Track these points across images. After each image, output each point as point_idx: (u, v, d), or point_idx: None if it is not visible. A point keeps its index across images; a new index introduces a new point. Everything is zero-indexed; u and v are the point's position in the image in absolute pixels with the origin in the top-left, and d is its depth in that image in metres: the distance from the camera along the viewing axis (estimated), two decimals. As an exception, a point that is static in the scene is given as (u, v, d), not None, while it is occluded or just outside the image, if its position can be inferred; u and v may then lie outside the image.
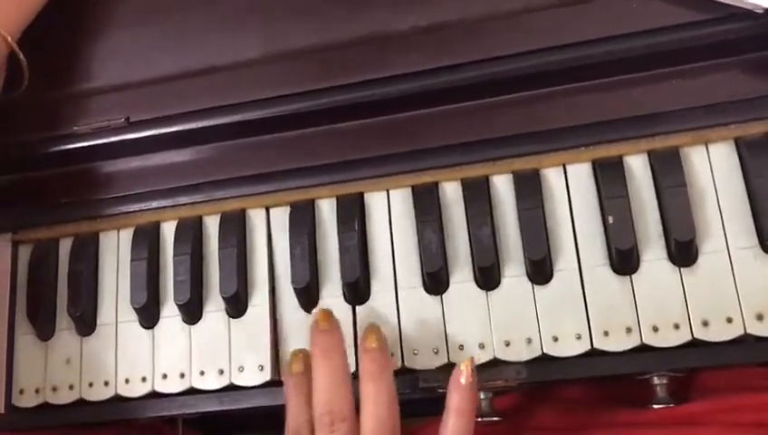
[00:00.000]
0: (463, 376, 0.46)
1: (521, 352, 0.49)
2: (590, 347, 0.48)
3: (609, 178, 0.49)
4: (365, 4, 0.54)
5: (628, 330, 0.47)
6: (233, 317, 0.54)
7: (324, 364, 0.47)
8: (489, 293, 0.50)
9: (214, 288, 0.54)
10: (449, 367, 0.49)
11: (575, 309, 0.48)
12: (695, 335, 0.47)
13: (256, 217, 0.55)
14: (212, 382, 0.53)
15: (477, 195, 0.51)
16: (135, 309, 0.55)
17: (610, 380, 0.55)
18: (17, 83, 0.57)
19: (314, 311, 0.52)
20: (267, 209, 0.55)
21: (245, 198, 0.55)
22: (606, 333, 0.48)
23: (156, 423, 0.65)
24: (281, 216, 0.55)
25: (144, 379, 0.54)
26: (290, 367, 0.50)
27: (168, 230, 0.56)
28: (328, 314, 0.49)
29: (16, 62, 0.56)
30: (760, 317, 0.46)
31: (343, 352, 0.48)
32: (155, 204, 0.57)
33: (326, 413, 0.46)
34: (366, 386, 0.47)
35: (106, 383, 0.55)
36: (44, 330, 0.57)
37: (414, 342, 0.50)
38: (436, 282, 0.51)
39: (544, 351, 0.48)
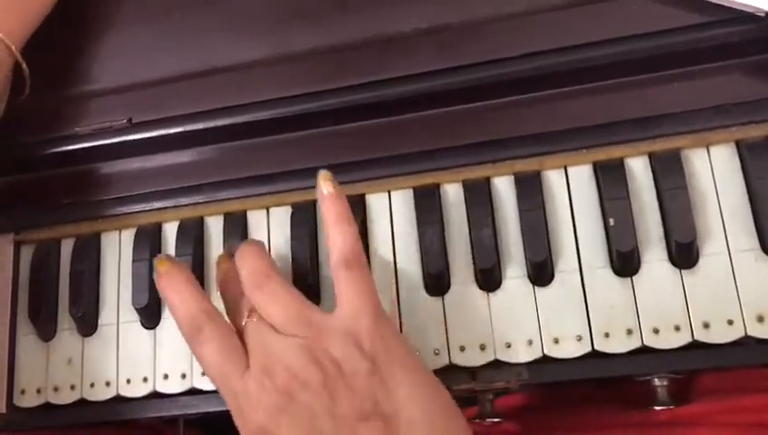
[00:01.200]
0: (324, 187, 0.48)
1: (522, 354, 0.49)
2: (590, 349, 0.48)
3: (610, 179, 0.49)
4: (367, 5, 0.54)
5: (629, 331, 0.48)
6: (234, 318, 0.54)
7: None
8: (490, 294, 0.50)
9: (215, 289, 0.54)
10: (450, 369, 0.49)
11: (576, 311, 0.49)
12: (695, 337, 0.47)
13: (258, 219, 0.55)
14: (213, 383, 0.53)
15: (478, 196, 0.51)
16: (136, 310, 0.55)
17: (611, 381, 0.55)
18: (19, 90, 0.57)
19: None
20: (268, 210, 0.55)
21: (247, 199, 0.55)
22: (607, 335, 0.48)
23: (157, 424, 0.65)
24: (282, 217, 0.55)
25: (145, 379, 0.54)
26: (158, 267, 0.49)
27: (170, 231, 0.56)
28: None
29: (18, 69, 0.56)
30: (761, 319, 0.46)
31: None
32: (157, 205, 0.57)
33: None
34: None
35: (107, 384, 0.55)
36: (46, 330, 0.57)
37: (414, 343, 0.50)
38: (437, 283, 0.51)
39: (545, 352, 0.48)
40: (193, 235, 0.55)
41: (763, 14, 0.46)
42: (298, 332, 0.44)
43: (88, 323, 0.56)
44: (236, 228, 0.55)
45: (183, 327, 0.47)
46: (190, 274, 0.49)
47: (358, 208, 0.53)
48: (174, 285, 0.48)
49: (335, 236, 0.47)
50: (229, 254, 0.52)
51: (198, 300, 0.47)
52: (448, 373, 0.49)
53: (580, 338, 0.48)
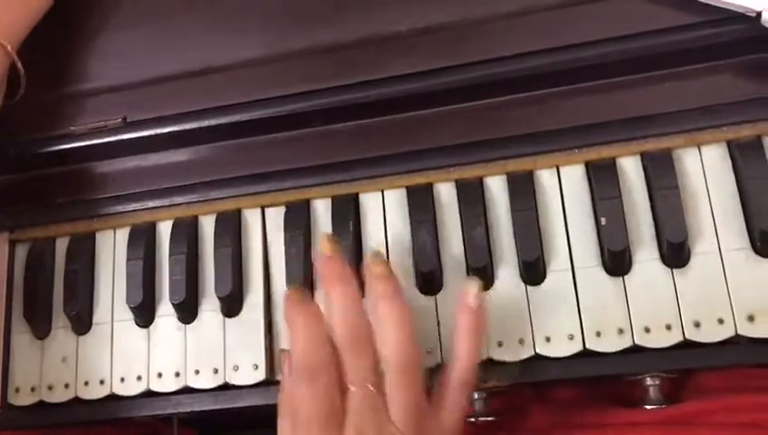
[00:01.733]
0: (471, 297, 0.46)
1: (514, 353, 0.49)
2: (582, 348, 0.48)
3: (602, 179, 0.50)
4: (362, 5, 0.54)
5: (621, 331, 0.48)
6: (228, 317, 0.54)
7: (340, 289, 0.46)
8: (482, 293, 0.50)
9: (209, 288, 0.54)
10: (443, 367, 0.49)
11: (568, 310, 0.49)
12: (686, 336, 0.47)
13: (252, 217, 0.55)
14: (207, 381, 0.53)
15: (471, 196, 0.52)
16: (131, 308, 0.55)
17: (603, 380, 0.55)
18: (14, 90, 0.57)
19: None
20: (263, 209, 0.55)
21: (241, 198, 0.55)
22: (598, 334, 0.48)
23: (151, 422, 0.65)
24: (276, 216, 0.55)
25: (139, 378, 0.54)
26: (292, 295, 0.47)
27: (164, 230, 0.57)
28: (330, 239, 0.47)
29: (13, 68, 0.56)
30: (751, 318, 0.46)
31: (354, 281, 0.47)
32: (151, 204, 0.57)
33: (350, 335, 0.45)
34: (381, 309, 0.45)
35: (101, 382, 0.55)
36: (41, 329, 0.57)
37: (408, 342, 0.50)
38: (430, 282, 0.51)
39: (537, 351, 0.49)
40: (187, 234, 0.56)
41: (753, 14, 0.47)
42: (406, 431, 0.44)
43: (82, 322, 0.56)
44: (230, 227, 0.55)
45: (298, 360, 0.45)
46: (318, 307, 0.47)
47: (350, 208, 0.53)
48: (302, 317, 0.46)
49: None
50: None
51: (323, 342, 0.45)
52: (441, 372, 0.49)
53: (571, 337, 0.48)
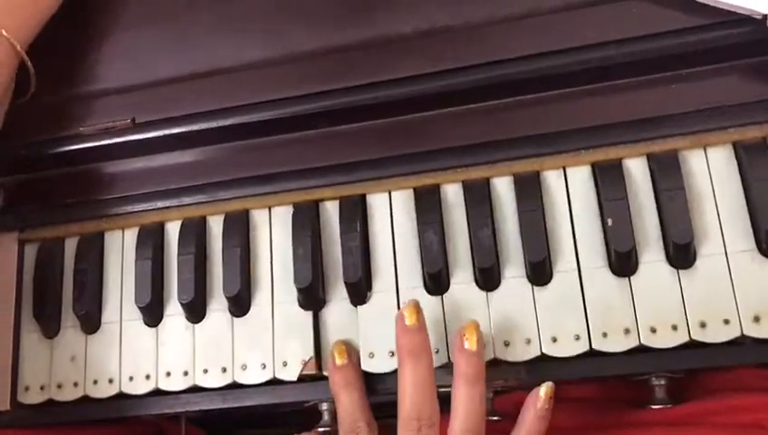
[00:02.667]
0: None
1: (520, 353, 0.49)
2: (588, 348, 0.48)
3: (609, 180, 0.50)
4: (368, 7, 0.55)
5: (627, 331, 0.48)
6: (236, 316, 0.54)
7: (412, 366, 0.47)
8: (489, 293, 0.51)
9: (217, 287, 0.55)
10: (449, 367, 0.50)
11: (574, 310, 0.49)
12: (692, 337, 0.47)
13: (259, 218, 0.56)
14: (215, 380, 0.54)
15: (478, 197, 0.52)
16: (139, 308, 0.55)
17: (609, 380, 0.55)
18: (24, 90, 0.58)
19: (402, 304, 0.51)
20: (270, 210, 0.56)
21: (249, 198, 0.56)
22: (604, 334, 0.48)
23: (159, 421, 0.65)
24: (284, 216, 0.55)
25: (148, 376, 0.55)
26: (333, 360, 0.50)
27: (173, 230, 0.57)
28: (416, 308, 0.48)
29: (23, 69, 0.57)
30: (757, 319, 0.46)
31: (431, 353, 0.48)
32: (159, 204, 0.57)
33: (414, 418, 0.46)
34: (459, 389, 0.46)
35: (110, 381, 0.55)
36: (50, 328, 0.57)
37: (415, 341, 0.51)
38: (436, 282, 0.51)
39: (543, 351, 0.49)
40: (195, 234, 0.56)
41: (760, 17, 0.47)
42: None
43: (91, 321, 0.57)
44: (238, 228, 0.55)
45: (343, 425, 0.49)
46: (361, 374, 0.51)
47: (358, 208, 0.54)
48: (349, 385, 0.50)
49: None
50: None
51: (365, 408, 0.50)
52: (447, 372, 0.49)
53: (578, 337, 0.49)
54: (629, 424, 0.54)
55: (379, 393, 0.51)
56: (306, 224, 0.54)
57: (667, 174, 0.49)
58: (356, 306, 0.53)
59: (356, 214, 0.53)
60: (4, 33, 0.54)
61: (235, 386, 0.53)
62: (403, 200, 0.54)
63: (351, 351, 0.51)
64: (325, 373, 0.52)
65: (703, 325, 0.47)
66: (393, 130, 0.54)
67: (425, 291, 0.52)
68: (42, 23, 0.57)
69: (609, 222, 0.49)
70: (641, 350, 0.48)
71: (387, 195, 0.54)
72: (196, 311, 0.55)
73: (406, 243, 0.53)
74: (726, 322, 0.47)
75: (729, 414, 0.53)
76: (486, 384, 0.50)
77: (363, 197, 0.54)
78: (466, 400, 0.47)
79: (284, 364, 0.52)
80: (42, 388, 0.56)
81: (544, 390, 0.47)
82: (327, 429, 0.53)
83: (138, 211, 0.58)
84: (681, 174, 0.49)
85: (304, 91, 0.54)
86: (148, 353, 0.55)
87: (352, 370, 0.50)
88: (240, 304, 0.54)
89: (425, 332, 0.48)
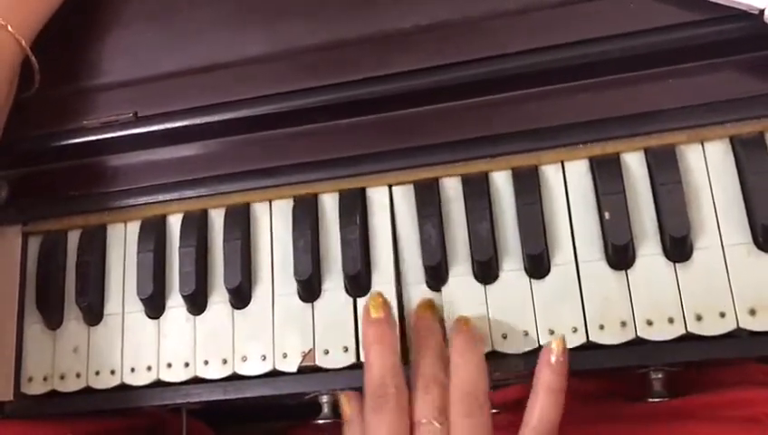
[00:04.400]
0: (553, 354, 0.46)
1: (518, 345, 0.50)
2: (585, 340, 0.49)
3: (606, 174, 0.50)
4: (368, 3, 0.55)
5: (623, 324, 0.48)
6: (237, 308, 0.55)
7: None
8: (487, 286, 0.51)
9: (218, 280, 0.55)
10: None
11: (571, 303, 0.49)
12: (688, 329, 0.47)
13: (260, 211, 0.56)
14: (215, 372, 0.54)
15: (477, 190, 0.52)
16: (141, 300, 0.56)
17: (606, 373, 0.55)
18: (28, 84, 0.58)
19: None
20: (271, 203, 0.56)
21: (250, 191, 0.56)
22: (601, 327, 0.49)
23: (160, 412, 0.66)
24: (284, 209, 0.56)
25: (149, 368, 0.55)
26: (368, 313, 0.49)
27: (175, 223, 0.57)
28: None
29: (27, 64, 0.57)
30: (752, 312, 0.47)
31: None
32: (161, 197, 0.58)
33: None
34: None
35: (112, 372, 0.56)
36: (53, 319, 0.58)
37: (413, 335, 0.51)
38: (435, 275, 0.52)
39: (541, 343, 0.49)
40: (197, 227, 0.56)
41: (756, 12, 0.47)
42: None
43: (94, 313, 0.57)
44: (239, 220, 0.56)
45: (370, 386, 0.47)
46: (397, 334, 0.49)
47: (357, 202, 0.54)
48: (381, 343, 0.47)
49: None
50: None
51: (396, 371, 0.47)
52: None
53: (575, 330, 0.49)
54: (627, 417, 0.55)
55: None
56: (306, 217, 0.55)
57: (665, 168, 0.49)
58: (355, 299, 0.53)
59: (356, 207, 0.54)
60: (9, 28, 0.54)
61: (235, 377, 0.54)
62: (402, 194, 0.54)
63: (389, 308, 0.49)
64: (323, 366, 0.52)
65: (699, 318, 0.47)
66: (393, 125, 0.55)
67: (424, 283, 0.52)
68: (46, 18, 0.58)
69: (607, 216, 0.49)
70: (638, 342, 0.48)
71: (386, 188, 0.54)
72: (197, 303, 0.55)
73: (405, 236, 0.53)
74: (722, 315, 0.47)
75: (727, 408, 0.53)
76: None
77: (363, 190, 0.55)
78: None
79: (284, 356, 0.53)
80: (45, 379, 0.57)
81: (556, 341, 0.46)
82: (327, 421, 0.54)
83: (140, 204, 0.58)
84: (678, 168, 0.49)
85: (305, 86, 0.55)
86: (150, 345, 0.56)
87: (387, 327, 0.48)
88: (241, 297, 0.55)
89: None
